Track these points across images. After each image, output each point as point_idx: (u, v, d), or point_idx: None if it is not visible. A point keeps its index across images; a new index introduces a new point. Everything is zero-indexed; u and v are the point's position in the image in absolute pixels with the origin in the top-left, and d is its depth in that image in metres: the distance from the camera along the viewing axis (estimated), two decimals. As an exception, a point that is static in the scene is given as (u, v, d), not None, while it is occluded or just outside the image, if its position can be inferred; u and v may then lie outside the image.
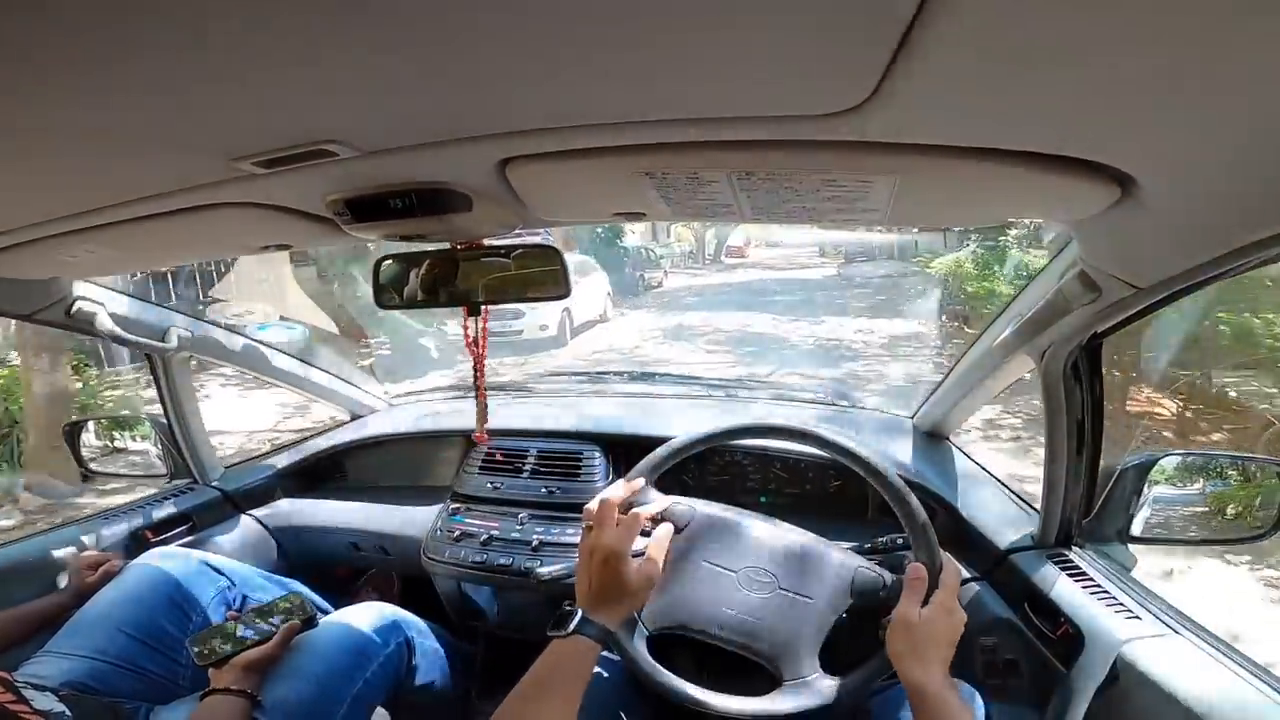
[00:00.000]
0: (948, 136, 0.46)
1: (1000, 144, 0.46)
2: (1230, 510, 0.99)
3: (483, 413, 0.98)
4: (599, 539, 0.81)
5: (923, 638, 0.77)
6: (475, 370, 0.95)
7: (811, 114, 0.43)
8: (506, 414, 1.56)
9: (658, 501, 0.93)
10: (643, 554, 0.83)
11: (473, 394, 1.34)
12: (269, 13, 0.31)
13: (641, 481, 0.93)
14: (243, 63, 0.36)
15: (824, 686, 0.86)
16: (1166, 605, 0.87)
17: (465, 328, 0.88)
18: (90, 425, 1.47)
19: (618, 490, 0.87)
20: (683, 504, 0.97)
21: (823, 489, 1.35)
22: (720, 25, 0.32)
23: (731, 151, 0.51)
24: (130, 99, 0.41)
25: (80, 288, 1.10)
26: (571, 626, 0.75)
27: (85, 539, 1.21)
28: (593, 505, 0.85)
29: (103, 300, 1.13)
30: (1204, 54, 0.32)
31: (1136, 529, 1.00)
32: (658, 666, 0.89)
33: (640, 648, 0.90)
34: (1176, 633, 0.81)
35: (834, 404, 1.67)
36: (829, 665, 0.89)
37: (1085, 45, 0.32)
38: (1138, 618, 0.85)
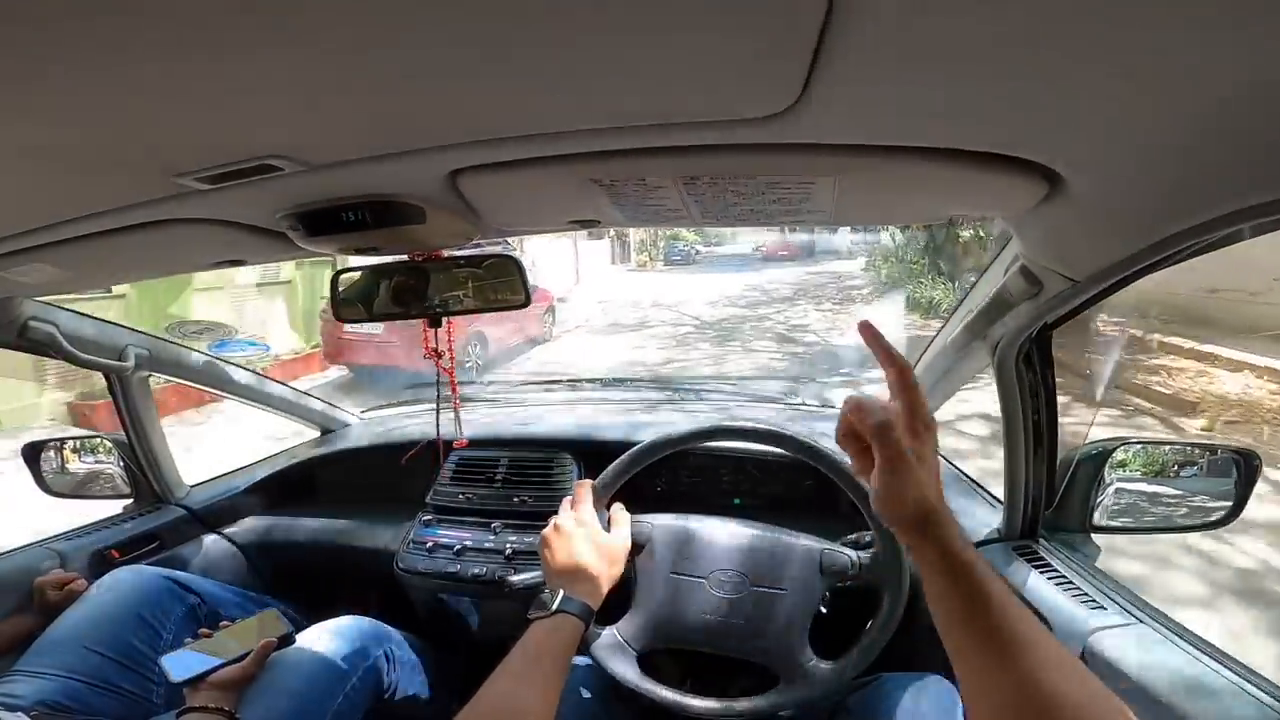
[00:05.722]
0: (877, 136, 0.47)
1: (926, 142, 0.47)
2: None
3: (457, 419, 0.98)
4: (563, 520, 0.82)
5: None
6: (442, 378, 0.94)
7: (746, 118, 0.44)
8: (477, 424, 1.54)
9: (616, 520, 0.93)
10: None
11: (445, 405, 1.31)
12: (200, 26, 0.31)
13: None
14: (176, 78, 0.36)
15: (824, 671, 0.87)
16: (1129, 594, 0.89)
17: (425, 339, 0.87)
18: (50, 445, 1.43)
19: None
20: (639, 521, 0.97)
21: (794, 489, 1.35)
22: (647, 31, 0.33)
23: (675, 157, 0.52)
24: (65, 115, 0.40)
25: (31, 308, 1.07)
26: (555, 605, 0.74)
27: (49, 559, 1.18)
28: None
29: (56, 320, 1.10)
30: (1109, 50, 0.33)
31: (1098, 518, 1.01)
32: (657, 685, 0.89)
33: (633, 670, 0.90)
34: (1140, 621, 0.82)
35: (804, 404, 1.69)
36: (825, 652, 0.90)
37: (990, 45, 0.33)
38: (1102, 607, 0.85)
